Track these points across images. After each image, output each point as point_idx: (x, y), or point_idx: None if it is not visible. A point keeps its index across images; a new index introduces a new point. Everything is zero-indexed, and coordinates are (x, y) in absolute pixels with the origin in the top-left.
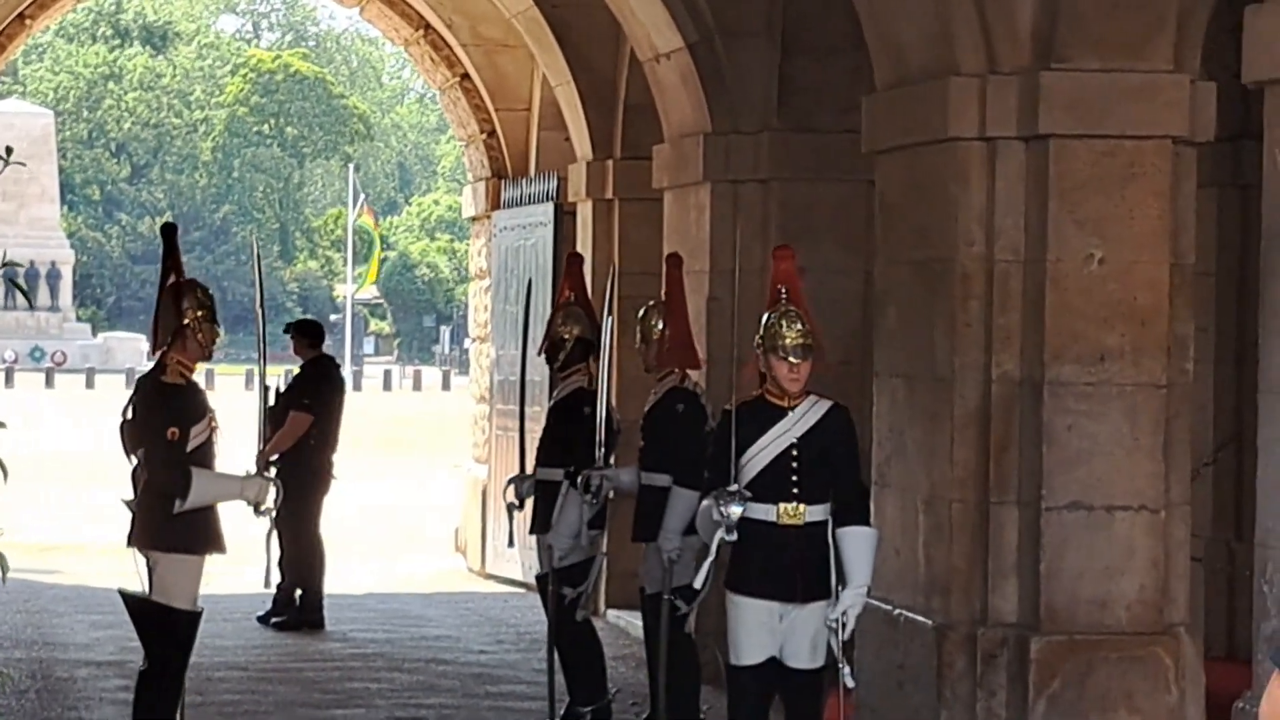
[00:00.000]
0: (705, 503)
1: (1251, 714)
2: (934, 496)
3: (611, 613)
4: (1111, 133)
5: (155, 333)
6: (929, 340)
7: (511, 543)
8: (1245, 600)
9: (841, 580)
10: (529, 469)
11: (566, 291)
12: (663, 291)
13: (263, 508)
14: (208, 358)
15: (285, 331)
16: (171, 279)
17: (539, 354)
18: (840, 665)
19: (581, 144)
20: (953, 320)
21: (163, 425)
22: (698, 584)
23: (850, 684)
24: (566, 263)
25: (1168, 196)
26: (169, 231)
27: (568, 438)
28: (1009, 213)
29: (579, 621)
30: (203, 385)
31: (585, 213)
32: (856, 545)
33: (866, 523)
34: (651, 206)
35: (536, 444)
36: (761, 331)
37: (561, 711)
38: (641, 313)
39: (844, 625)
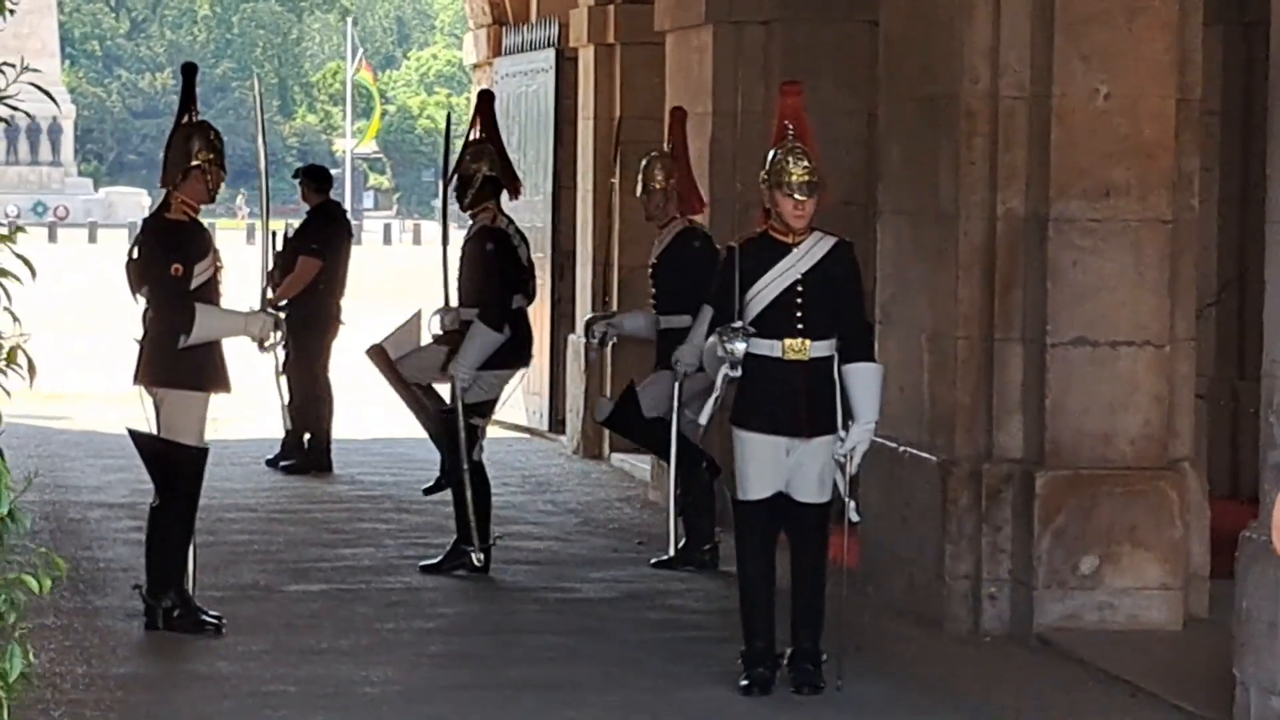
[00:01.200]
0: (710, 339)
1: (1259, 543)
2: (938, 334)
3: (616, 456)
4: None
5: (164, 170)
6: (933, 178)
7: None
8: (1249, 439)
9: (848, 416)
10: (453, 302)
11: (478, 128)
12: (665, 143)
13: (267, 343)
14: (211, 200)
15: (294, 176)
16: (185, 119)
17: (450, 189)
18: (846, 500)
19: None
20: (957, 157)
21: (166, 261)
22: (702, 419)
23: (855, 518)
24: (478, 100)
25: (1174, 30)
26: (189, 71)
27: (474, 275)
28: (1014, 48)
29: (476, 461)
30: None
31: (587, 58)
32: (862, 381)
33: (871, 358)
34: (653, 51)
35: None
36: (767, 168)
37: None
38: (644, 162)
39: (851, 460)
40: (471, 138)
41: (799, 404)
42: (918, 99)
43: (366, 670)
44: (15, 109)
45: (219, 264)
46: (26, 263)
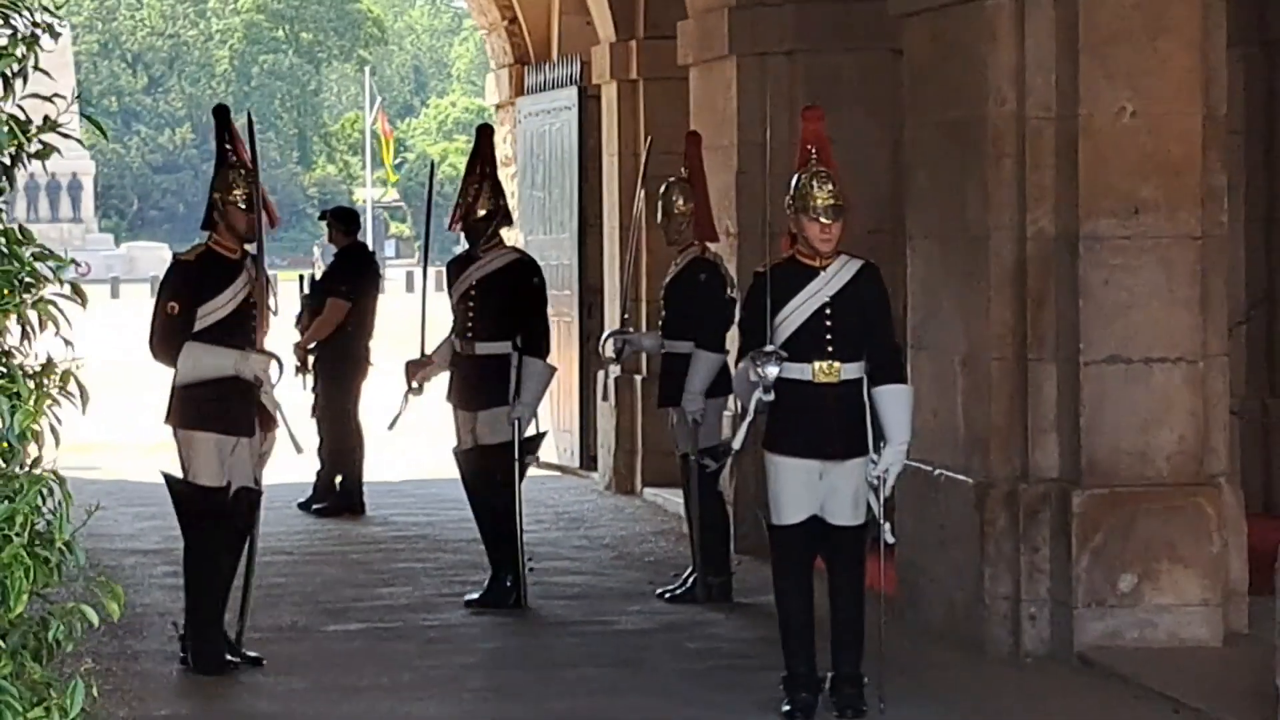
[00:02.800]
0: (741, 364)
1: None
2: (972, 355)
3: (648, 491)
4: None
5: (205, 213)
6: (962, 200)
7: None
8: None
9: (880, 438)
10: (428, 350)
11: (483, 165)
12: (683, 168)
13: (265, 386)
14: (242, 240)
15: (320, 218)
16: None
17: (451, 228)
18: (880, 523)
19: (604, 25)
20: (985, 179)
21: (163, 300)
22: (736, 445)
23: (890, 540)
24: (478, 135)
25: (1198, 47)
26: (221, 114)
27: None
28: (1039, 69)
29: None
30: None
31: (610, 95)
32: (893, 402)
33: (902, 380)
34: (676, 86)
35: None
36: (791, 193)
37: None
38: (663, 189)
39: (884, 483)
40: (476, 175)
41: (831, 426)
42: (943, 123)
43: (408, 706)
44: (50, 149)
45: (252, 300)
46: (78, 290)
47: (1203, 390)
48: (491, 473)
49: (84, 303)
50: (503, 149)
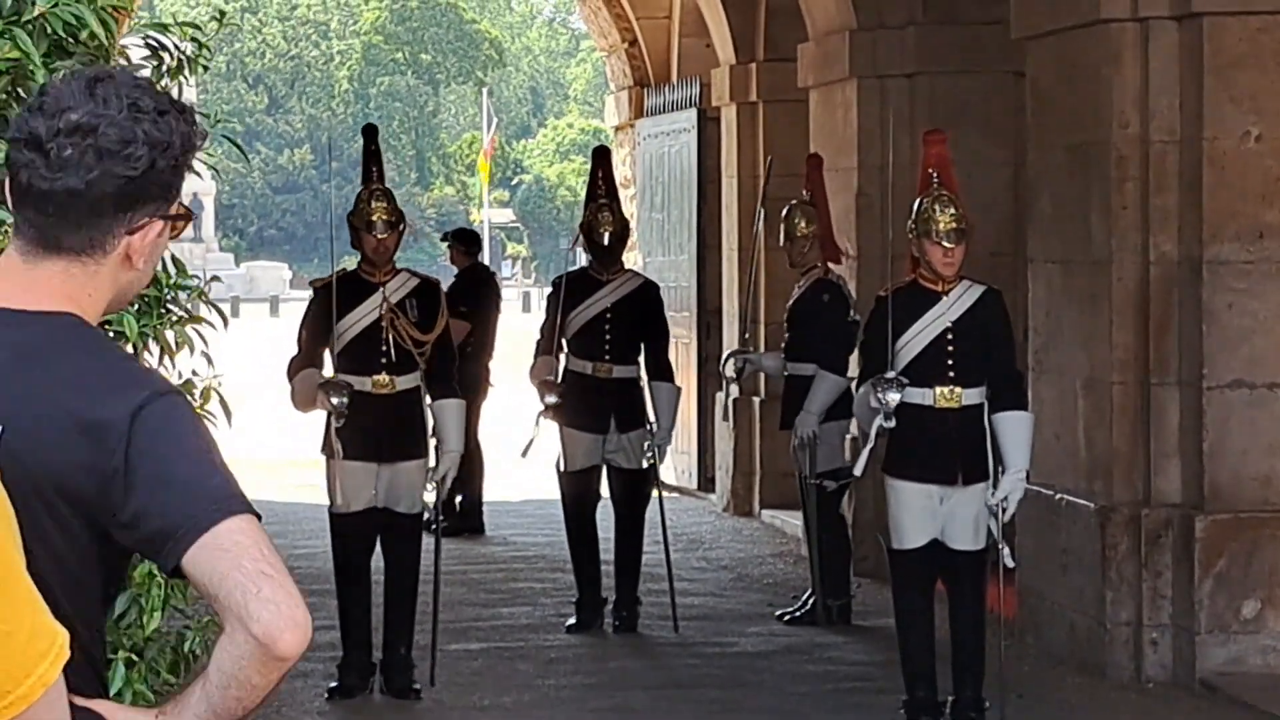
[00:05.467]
0: (862, 390)
1: None
2: (1093, 379)
3: (766, 513)
4: (1266, 9)
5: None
6: (1085, 224)
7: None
8: None
9: (999, 464)
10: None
11: (606, 187)
12: (804, 190)
13: (334, 413)
14: (376, 262)
15: (442, 240)
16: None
17: (572, 248)
18: (1000, 547)
19: (724, 48)
20: (1108, 203)
21: (300, 328)
22: (857, 471)
23: (1010, 564)
24: (595, 156)
25: None
26: (370, 134)
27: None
28: (1163, 93)
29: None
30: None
31: (729, 116)
32: (1013, 429)
33: (1023, 407)
34: (796, 108)
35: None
36: (914, 216)
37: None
38: (785, 211)
39: (1004, 510)
40: (600, 193)
41: (952, 452)
42: (1067, 146)
43: None
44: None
45: (382, 318)
46: (219, 311)
47: None
48: (635, 497)
49: (225, 322)
50: (621, 170)
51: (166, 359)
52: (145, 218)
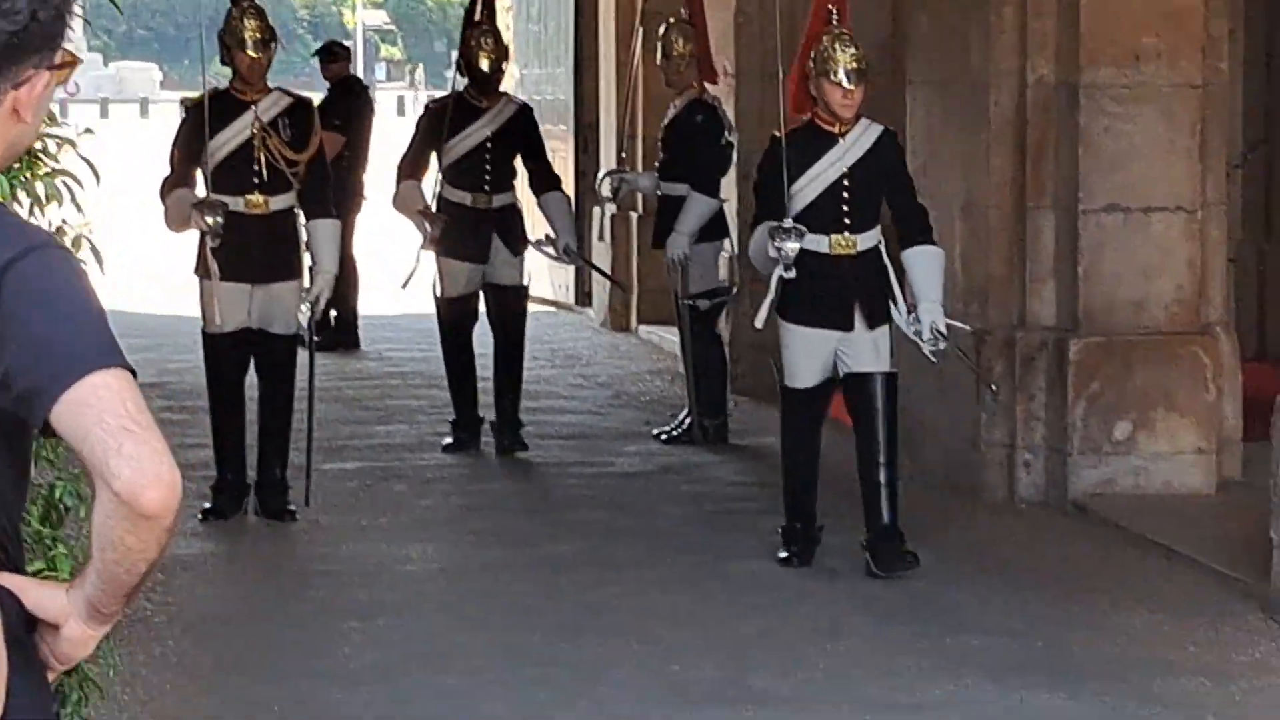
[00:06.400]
0: (758, 236)
1: None
2: (970, 204)
3: (644, 328)
4: None
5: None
6: (963, 46)
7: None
8: (1276, 300)
9: (909, 297)
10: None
11: (485, 14)
12: (682, 8)
13: (211, 232)
14: (249, 80)
15: (313, 55)
16: None
17: (458, 69)
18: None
19: None
20: (987, 26)
21: (172, 147)
22: (759, 323)
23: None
24: None
25: None
26: None
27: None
28: None
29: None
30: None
31: None
32: (924, 264)
33: (931, 241)
34: None
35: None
36: (812, 55)
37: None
38: (662, 29)
39: (938, 334)
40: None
41: (850, 299)
42: None
43: (406, 549)
44: None
45: (253, 136)
46: (90, 165)
47: (1201, 239)
48: (515, 316)
49: (97, 177)
50: None
51: (37, 210)
52: (30, 70)
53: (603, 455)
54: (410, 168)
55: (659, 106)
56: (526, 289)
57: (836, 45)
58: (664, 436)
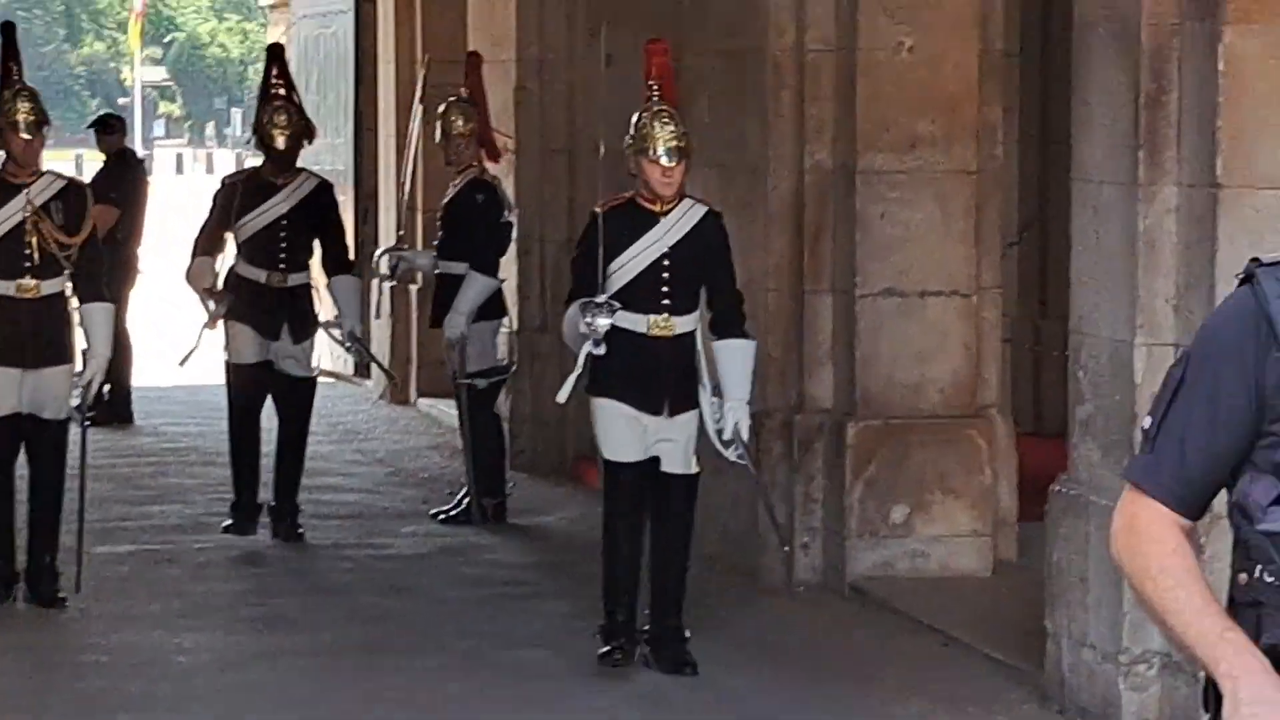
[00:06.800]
0: (571, 311)
1: (1069, 496)
2: (749, 286)
3: (423, 402)
4: None
5: None
6: (741, 131)
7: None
8: (1052, 376)
9: (716, 389)
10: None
11: (284, 89)
12: (462, 89)
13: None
14: (22, 163)
15: (88, 127)
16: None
17: (254, 145)
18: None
19: None
20: (764, 111)
21: None
22: (561, 398)
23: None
24: (269, 55)
25: None
26: (7, 30)
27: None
28: (819, 2)
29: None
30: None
31: (386, 1)
32: (736, 358)
33: (745, 334)
34: None
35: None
36: (632, 132)
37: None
38: (442, 108)
39: (739, 438)
40: (275, 92)
41: (663, 383)
42: (723, 52)
43: (179, 637)
44: None
45: (30, 219)
46: None
47: (976, 322)
48: (302, 407)
49: None
50: None
51: None
52: None
53: (381, 536)
54: (205, 243)
55: (439, 181)
56: (314, 381)
57: (656, 122)
58: (442, 516)
